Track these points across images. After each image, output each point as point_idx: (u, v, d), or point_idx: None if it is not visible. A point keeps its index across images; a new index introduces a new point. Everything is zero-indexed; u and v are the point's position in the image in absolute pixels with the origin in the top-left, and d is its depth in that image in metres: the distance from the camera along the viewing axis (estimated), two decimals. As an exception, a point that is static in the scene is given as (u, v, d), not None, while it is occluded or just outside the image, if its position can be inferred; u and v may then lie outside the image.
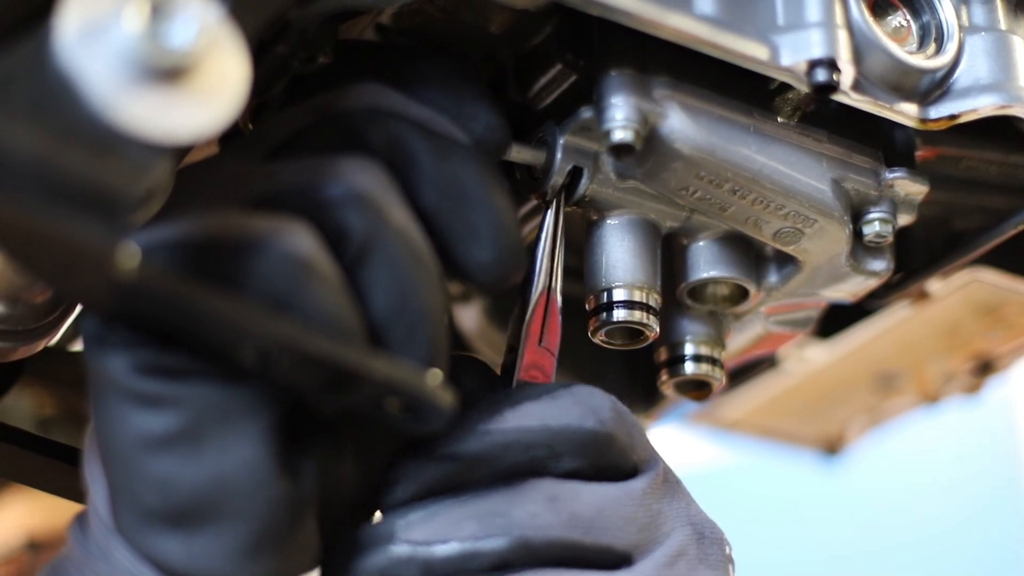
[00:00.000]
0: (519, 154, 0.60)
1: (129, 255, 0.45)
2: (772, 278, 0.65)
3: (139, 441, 0.49)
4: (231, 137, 0.57)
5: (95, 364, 0.50)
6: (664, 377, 0.67)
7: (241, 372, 0.49)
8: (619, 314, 0.60)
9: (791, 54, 0.56)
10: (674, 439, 0.95)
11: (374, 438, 0.55)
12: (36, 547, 0.92)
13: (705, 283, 0.65)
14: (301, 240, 0.50)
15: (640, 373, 0.76)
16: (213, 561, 0.50)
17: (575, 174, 0.60)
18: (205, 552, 0.50)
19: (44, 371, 0.69)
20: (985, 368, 0.83)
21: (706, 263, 0.64)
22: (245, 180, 0.52)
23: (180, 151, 0.55)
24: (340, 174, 0.51)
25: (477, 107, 0.57)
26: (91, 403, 0.51)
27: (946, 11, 0.61)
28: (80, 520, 0.53)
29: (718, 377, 0.66)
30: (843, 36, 0.57)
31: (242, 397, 0.50)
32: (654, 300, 0.61)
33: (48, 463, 0.65)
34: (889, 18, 0.61)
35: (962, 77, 0.60)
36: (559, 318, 0.59)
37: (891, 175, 0.63)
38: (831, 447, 0.91)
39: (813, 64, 0.56)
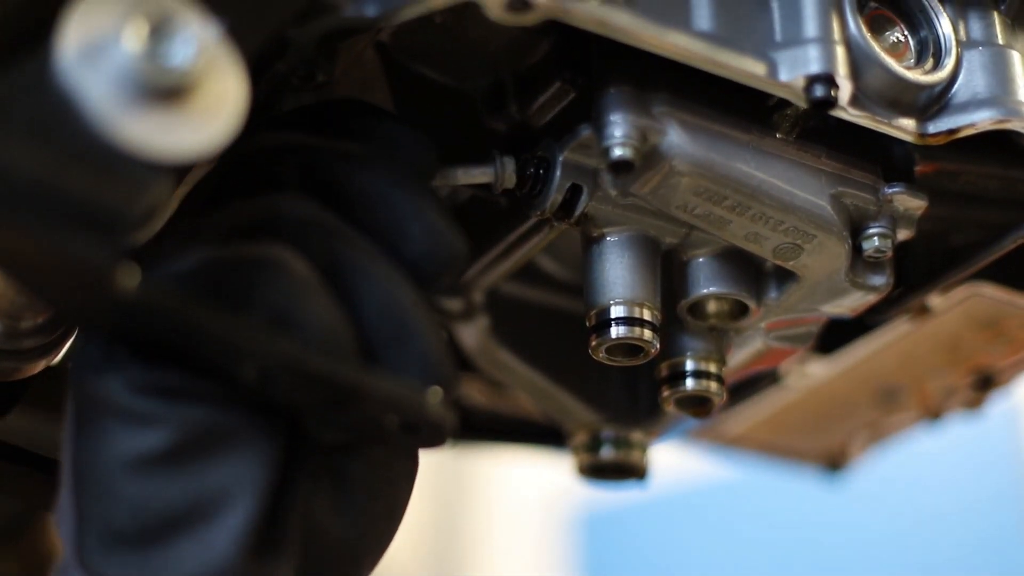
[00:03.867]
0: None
1: (130, 274, 0.45)
2: (772, 293, 0.65)
3: (122, 460, 0.49)
4: (232, 154, 0.58)
5: (87, 386, 0.50)
6: (665, 393, 0.67)
7: (237, 397, 0.49)
8: (619, 331, 0.60)
9: (789, 70, 0.57)
10: (676, 456, 0.95)
11: (356, 481, 0.54)
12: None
13: (705, 299, 0.65)
14: (296, 259, 0.50)
15: (642, 390, 0.76)
16: None
17: (574, 191, 0.60)
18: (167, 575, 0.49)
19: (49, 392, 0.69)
20: (986, 383, 0.82)
21: (706, 279, 0.64)
22: (205, 223, 0.53)
23: (181, 170, 0.55)
24: (280, 208, 0.52)
25: (397, 131, 0.58)
26: (69, 429, 0.51)
27: (944, 26, 0.61)
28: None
29: (719, 393, 0.66)
30: (841, 52, 0.57)
31: (234, 423, 0.50)
32: (654, 316, 0.61)
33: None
34: (887, 33, 0.61)
35: (960, 92, 0.61)
36: None
37: (890, 190, 0.63)
38: (834, 463, 0.91)
39: (811, 80, 0.56)
